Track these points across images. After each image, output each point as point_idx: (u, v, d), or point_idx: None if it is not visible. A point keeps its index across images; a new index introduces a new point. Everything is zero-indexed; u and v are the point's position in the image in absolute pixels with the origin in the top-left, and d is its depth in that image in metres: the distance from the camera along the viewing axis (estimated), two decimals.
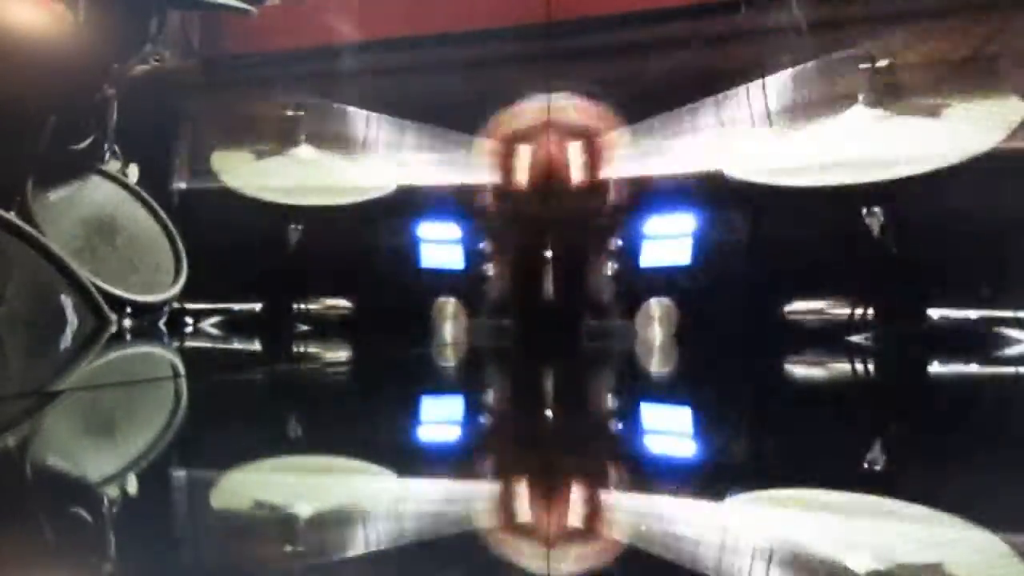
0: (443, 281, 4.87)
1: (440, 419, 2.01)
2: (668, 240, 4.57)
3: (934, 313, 3.99)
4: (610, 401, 2.38)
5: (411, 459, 1.43)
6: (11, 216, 3.88)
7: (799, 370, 3.26)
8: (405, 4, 5.02)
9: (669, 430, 1.86)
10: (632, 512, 1.09)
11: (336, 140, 5.16)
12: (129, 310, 4.33)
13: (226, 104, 5.42)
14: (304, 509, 1.07)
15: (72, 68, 4.17)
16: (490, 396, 2.48)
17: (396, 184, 4.99)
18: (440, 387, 2.74)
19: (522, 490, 1.22)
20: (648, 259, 4.60)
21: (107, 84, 4.59)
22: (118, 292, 4.27)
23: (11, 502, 1.06)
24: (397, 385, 2.66)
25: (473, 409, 2.17)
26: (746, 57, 4.43)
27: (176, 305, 4.76)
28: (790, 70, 4.32)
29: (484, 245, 4.85)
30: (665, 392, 2.62)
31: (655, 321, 4.48)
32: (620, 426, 1.88)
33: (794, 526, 1.01)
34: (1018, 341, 3.74)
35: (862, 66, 4.20)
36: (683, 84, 4.48)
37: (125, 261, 4.49)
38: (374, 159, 5.09)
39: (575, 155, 4.68)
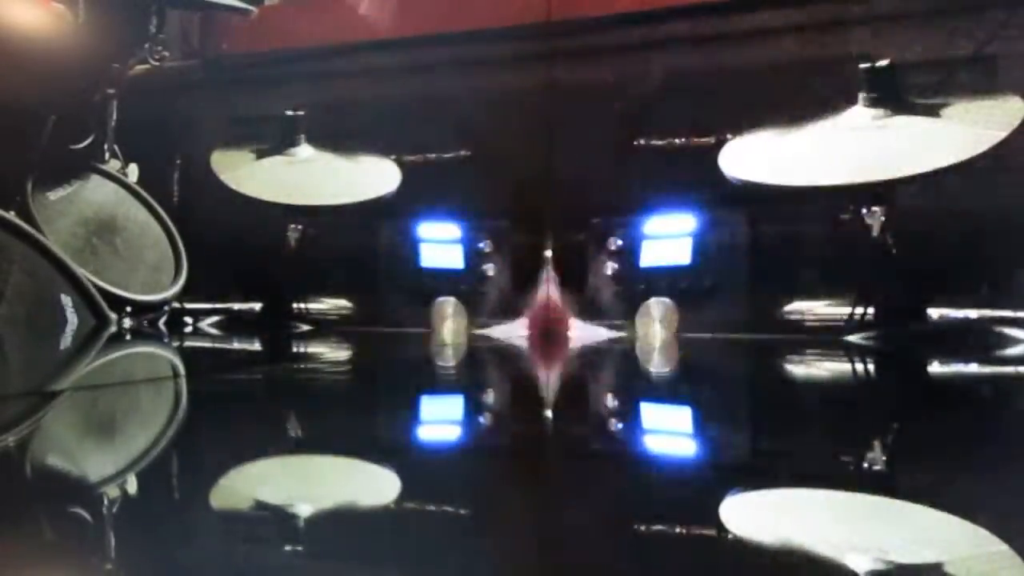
0: (443, 281, 4.87)
1: (439, 419, 2.01)
2: (668, 240, 4.57)
3: (934, 313, 3.99)
4: (609, 400, 2.38)
5: (411, 458, 1.43)
6: (11, 216, 3.88)
7: (798, 370, 3.26)
8: (405, 4, 5.02)
9: (668, 429, 1.87)
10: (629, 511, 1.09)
11: (336, 140, 5.16)
12: (129, 310, 4.33)
13: (226, 104, 5.42)
14: (304, 509, 1.07)
15: (72, 68, 4.17)
16: (489, 396, 2.48)
17: (396, 184, 4.99)
18: (439, 387, 2.75)
19: (521, 492, 1.22)
20: (648, 259, 4.60)
21: (107, 84, 4.59)
22: (118, 292, 4.27)
23: (11, 502, 1.06)
24: (397, 385, 2.66)
25: (472, 409, 2.17)
26: (746, 57, 4.43)
27: (176, 305, 4.76)
28: (791, 69, 4.32)
29: (484, 245, 4.85)
30: (664, 392, 2.62)
31: (655, 321, 4.48)
32: (619, 425, 1.88)
33: (794, 526, 1.01)
34: (1018, 341, 3.74)
35: (862, 66, 4.20)
36: (685, 85, 4.48)
37: (125, 261, 4.49)
38: (374, 159, 5.09)
39: None
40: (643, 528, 1.02)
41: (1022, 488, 1.19)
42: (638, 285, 4.56)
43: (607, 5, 4.62)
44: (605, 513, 1.08)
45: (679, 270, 4.50)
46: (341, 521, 1.03)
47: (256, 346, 4.29)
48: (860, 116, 4.22)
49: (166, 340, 4.21)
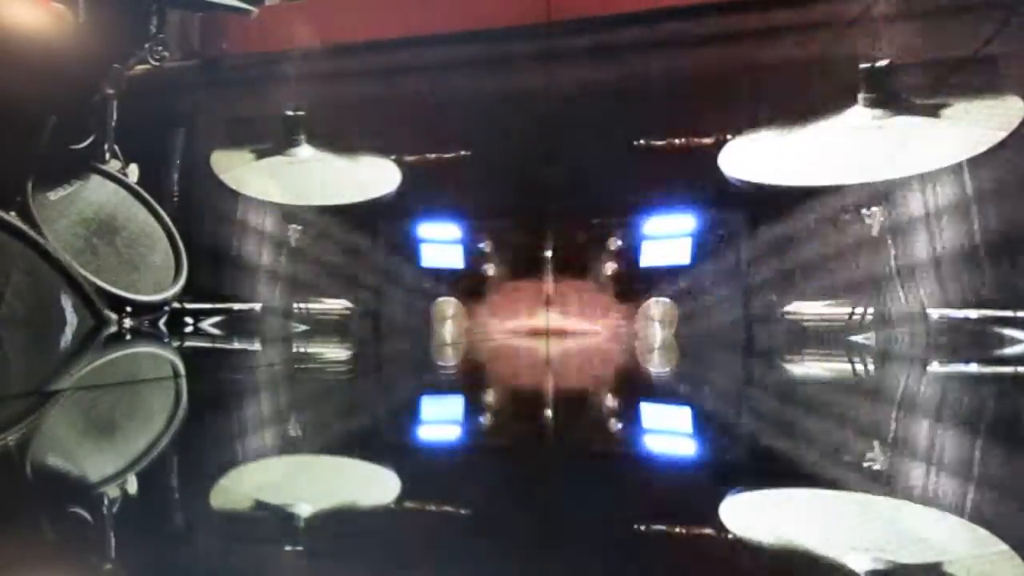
0: (443, 281, 4.87)
1: (439, 418, 2.01)
2: (668, 240, 4.57)
3: (934, 313, 3.99)
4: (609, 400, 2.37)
5: (411, 458, 1.42)
6: (11, 216, 3.88)
7: (798, 370, 3.26)
8: (405, 4, 5.02)
9: (667, 429, 1.86)
10: (628, 511, 1.09)
11: (336, 140, 5.16)
12: (129, 310, 4.33)
13: (226, 104, 5.42)
14: (304, 509, 1.06)
15: (72, 68, 4.17)
16: (489, 396, 2.47)
17: (396, 184, 4.99)
18: (439, 387, 2.74)
19: (523, 489, 1.22)
20: (648, 259, 4.60)
21: (107, 84, 4.59)
22: (118, 292, 4.27)
23: (11, 502, 1.06)
24: (397, 385, 2.66)
25: (472, 409, 2.16)
26: (746, 57, 4.43)
27: (176, 305, 4.76)
28: (790, 70, 4.32)
29: (484, 245, 4.85)
30: (662, 391, 2.62)
31: (655, 321, 4.48)
32: (619, 425, 1.88)
33: (794, 526, 1.01)
34: (1018, 341, 3.74)
35: (862, 66, 4.20)
36: (683, 84, 4.48)
37: (125, 261, 4.49)
38: (374, 159, 5.09)
39: None
40: (644, 527, 1.02)
41: (1022, 488, 1.19)
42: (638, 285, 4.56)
43: (607, 5, 4.63)
44: (602, 511, 1.08)
45: (679, 270, 4.50)
46: (341, 521, 1.03)
47: (256, 346, 4.29)
48: (860, 116, 4.23)
49: (166, 340, 4.21)
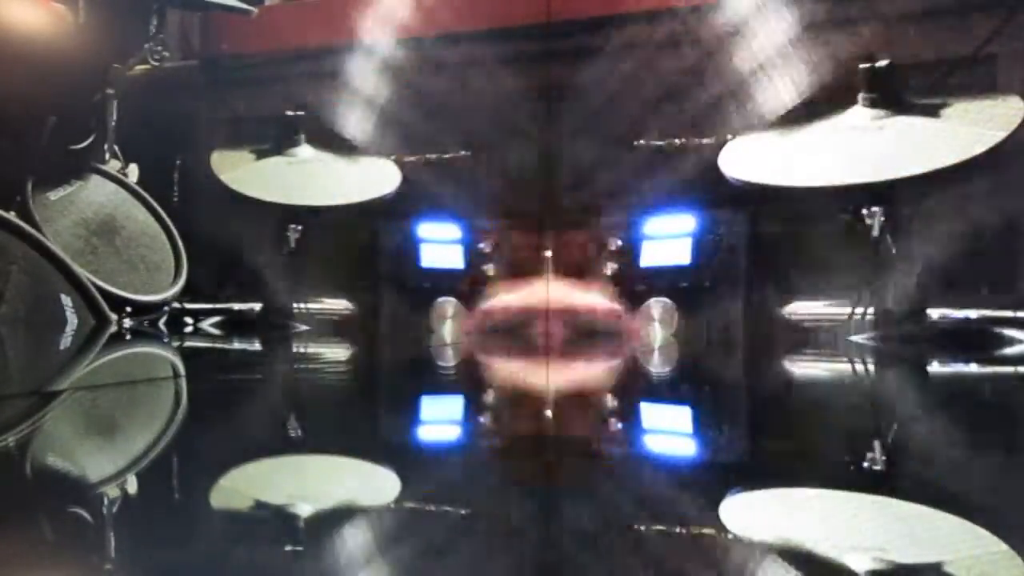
0: (443, 281, 4.87)
1: (439, 419, 2.01)
2: (668, 240, 4.57)
3: (934, 313, 3.99)
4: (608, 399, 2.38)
5: (412, 458, 1.43)
6: (11, 216, 3.88)
7: (798, 370, 3.26)
8: (405, 4, 5.01)
9: (667, 429, 1.86)
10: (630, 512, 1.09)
11: (336, 140, 5.16)
12: (129, 310, 4.33)
13: (226, 104, 5.41)
14: (304, 509, 1.06)
15: (72, 68, 4.17)
16: (489, 396, 2.48)
17: (396, 184, 4.99)
18: (439, 387, 2.74)
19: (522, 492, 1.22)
20: (648, 259, 4.60)
21: (107, 84, 4.59)
22: (118, 292, 4.27)
23: (11, 502, 1.06)
24: (397, 385, 2.66)
25: (472, 409, 2.16)
26: (747, 57, 4.42)
27: (176, 305, 4.76)
28: (791, 69, 4.32)
29: (484, 245, 4.85)
30: (664, 392, 2.62)
31: (655, 321, 4.48)
32: (619, 425, 1.88)
33: (794, 526, 1.01)
34: (1018, 341, 3.74)
35: (862, 66, 4.20)
36: (686, 84, 4.48)
37: (125, 261, 4.49)
38: (374, 159, 5.09)
39: None
40: (644, 527, 1.02)
41: (1022, 488, 1.19)
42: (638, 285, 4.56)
43: (607, 5, 4.62)
44: (601, 513, 1.08)
45: (679, 270, 4.50)
46: (341, 521, 1.03)
47: (256, 346, 4.29)
48: (860, 116, 4.22)
49: (166, 340, 4.21)
